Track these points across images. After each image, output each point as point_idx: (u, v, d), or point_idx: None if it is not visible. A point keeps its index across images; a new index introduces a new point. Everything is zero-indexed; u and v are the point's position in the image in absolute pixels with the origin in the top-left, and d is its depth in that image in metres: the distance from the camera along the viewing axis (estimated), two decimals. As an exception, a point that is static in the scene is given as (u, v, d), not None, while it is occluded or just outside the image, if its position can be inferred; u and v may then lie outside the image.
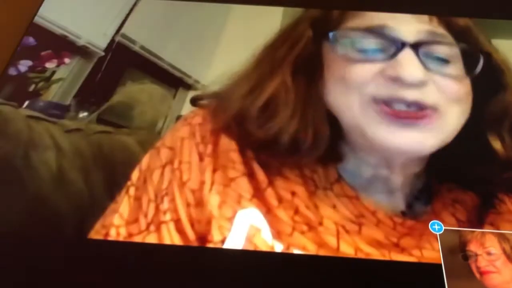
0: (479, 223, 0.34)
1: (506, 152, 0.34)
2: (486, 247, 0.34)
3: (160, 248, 0.34)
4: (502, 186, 0.34)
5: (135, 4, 0.51)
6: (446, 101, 0.34)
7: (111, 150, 0.40)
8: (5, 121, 0.41)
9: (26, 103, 0.42)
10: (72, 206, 0.36)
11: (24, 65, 0.45)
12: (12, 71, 0.45)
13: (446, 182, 0.35)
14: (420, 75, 0.34)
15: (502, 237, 0.35)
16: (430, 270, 0.33)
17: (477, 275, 0.33)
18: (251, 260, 0.33)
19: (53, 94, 0.44)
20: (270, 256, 0.34)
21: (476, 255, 0.34)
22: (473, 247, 0.34)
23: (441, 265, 0.34)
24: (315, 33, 0.39)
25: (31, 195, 0.36)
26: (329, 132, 0.35)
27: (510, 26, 0.47)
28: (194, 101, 0.40)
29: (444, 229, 0.35)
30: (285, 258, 0.34)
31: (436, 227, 0.36)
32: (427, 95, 0.34)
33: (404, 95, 0.34)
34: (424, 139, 0.34)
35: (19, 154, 0.39)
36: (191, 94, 0.44)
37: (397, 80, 0.34)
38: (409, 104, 0.34)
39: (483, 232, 0.35)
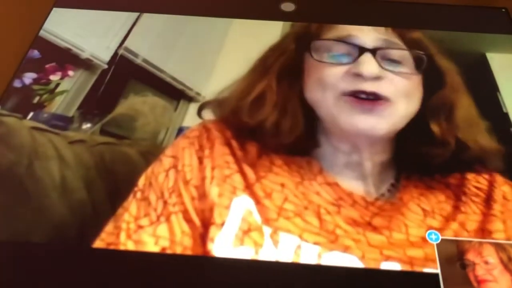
0: (442, 216, 0.38)
1: (442, 134, 0.42)
2: (483, 256, 0.35)
3: (161, 257, 0.35)
4: (437, 161, 0.41)
5: (137, 18, 0.52)
6: (397, 94, 0.42)
7: (113, 161, 0.40)
8: (9, 132, 0.42)
9: (31, 114, 0.43)
10: (74, 216, 0.37)
11: (28, 77, 0.46)
12: (17, 83, 0.46)
13: (413, 179, 0.41)
14: (375, 71, 0.42)
15: (499, 247, 0.35)
16: (427, 280, 0.34)
17: (475, 284, 0.34)
18: (249, 269, 0.34)
19: (57, 106, 0.44)
20: (262, 265, 0.35)
21: (474, 264, 0.35)
22: (471, 256, 0.35)
23: (438, 274, 0.34)
24: (297, 45, 0.47)
25: (35, 204, 0.37)
26: (305, 121, 0.42)
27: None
28: (200, 109, 0.45)
29: (441, 239, 0.36)
30: (276, 266, 0.35)
31: (433, 236, 0.36)
32: (382, 88, 0.42)
33: (363, 87, 0.42)
34: (377, 123, 0.41)
35: (23, 164, 0.39)
36: (192, 106, 0.45)
37: (358, 76, 0.42)
38: (368, 94, 0.41)
39: (480, 242, 0.36)
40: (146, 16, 0.52)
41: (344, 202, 0.39)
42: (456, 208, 0.39)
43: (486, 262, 0.35)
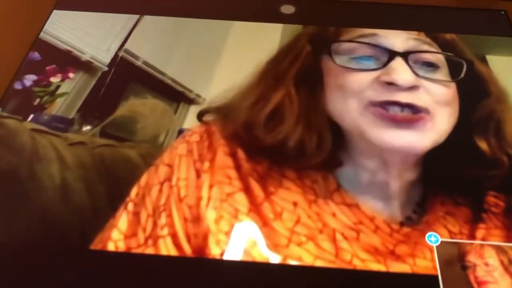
0: (470, 236, 0.36)
1: (492, 152, 0.37)
2: (484, 258, 0.35)
3: (160, 259, 0.35)
4: (489, 184, 0.37)
5: (138, 20, 0.52)
6: (436, 104, 0.37)
7: (113, 163, 0.40)
8: (10, 134, 0.42)
9: (31, 116, 0.43)
10: (75, 218, 0.37)
11: (29, 79, 0.46)
12: (17, 85, 0.46)
13: (440, 194, 0.37)
14: (411, 79, 0.37)
15: (500, 250, 0.35)
16: (427, 282, 0.34)
17: (475, 285, 0.34)
18: (250, 272, 0.34)
19: (57, 108, 0.44)
20: (268, 267, 0.34)
21: (475, 265, 0.35)
22: (471, 258, 0.35)
23: (437, 276, 0.34)
24: (313, 47, 0.42)
25: (35, 206, 0.37)
26: (331, 138, 0.37)
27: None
28: (200, 115, 0.41)
29: (441, 241, 0.36)
30: (282, 269, 0.34)
31: (433, 238, 0.36)
32: (419, 98, 0.37)
33: (398, 98, 0.36)
34: (418, 139, 0.36)
35: (24, 166, 0.39)
36: (192, 108, 0.45)
37: (391, 85, 0.37)
38: (403, 106, 0.36)
39: (481, 244, 0.36)
40: (146, 19, 0.52)
41: (365, 227, 0.35)
42: (483, 222, 0.36)
43: (487, 264, 0.35)
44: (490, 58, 0.48)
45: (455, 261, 0.35)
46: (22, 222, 0.36)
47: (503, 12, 0.54)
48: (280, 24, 0.51)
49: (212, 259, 0.34)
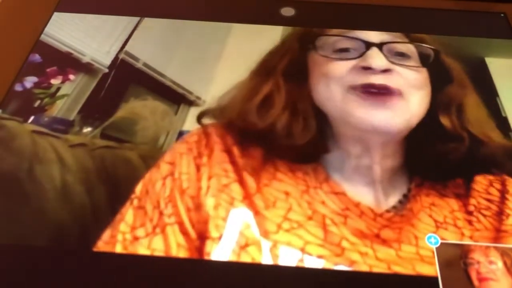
0: (455, 225, 0.37)
1: (454, 128, 0.42)
2: (489, 257, 0.35)
3: (160, 260, 0.35)
4: (452, 156, 0.41)
5: (138, 22, 0.52)
6: (408, 87, 0.42)
7: (114, 165, 0.40)
8: (10, 135, 0.42)
9: (31, 118, 0.43)
10: (75, 219, 0.37)
11: (29, 81, 0.46)
12: (18, 87, 0.46)
13: (425, 186, 0.40)
14: (384, 63, 0.42)
15: (504, 252, 0.36)
16: (427, 284, 0.34)
17: (476, 283, 0.34)
18: (248, 273, 0.34)
19: (57, 109, 0.44)
20: (261, 268, 0.35)
21: (478, 262, 0.35)
22: (476, 256, 0.35)
23: (437, 278, 0.34)
24: (300, 44, 0.47)
25: (35, 208, 0.37)
26: (316, 122, 0.41)
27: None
28: (199, 117, 0.44)
29: (441, 243, 0.36)
30: (276, 270, 0.35)
31: (433, 240, 0.36)
32: (392, 80, 0.41)
33: (373, 80, 0.41)
34: (392, 118, 0.40)
35: (24, 168, 0.39)
36: (192, 110, 0.45)
37: (367, 69, 0.42)
38: (378, 88, 0.41)
39: (487, 246, 0.36)
40: (146, 21, 0.53)
41: (351, 212, 0.38)
42: (470, 223, 0.37)
43: (491, 262, 0.35)
44: (489, 60, 0.49)
45: (455, 262, 0.35)
46: (22, 224, 0.36)
47: (502, 15, 0.54)
48: (280, 27, 0.51)
49: (214, 261, 0.35)
